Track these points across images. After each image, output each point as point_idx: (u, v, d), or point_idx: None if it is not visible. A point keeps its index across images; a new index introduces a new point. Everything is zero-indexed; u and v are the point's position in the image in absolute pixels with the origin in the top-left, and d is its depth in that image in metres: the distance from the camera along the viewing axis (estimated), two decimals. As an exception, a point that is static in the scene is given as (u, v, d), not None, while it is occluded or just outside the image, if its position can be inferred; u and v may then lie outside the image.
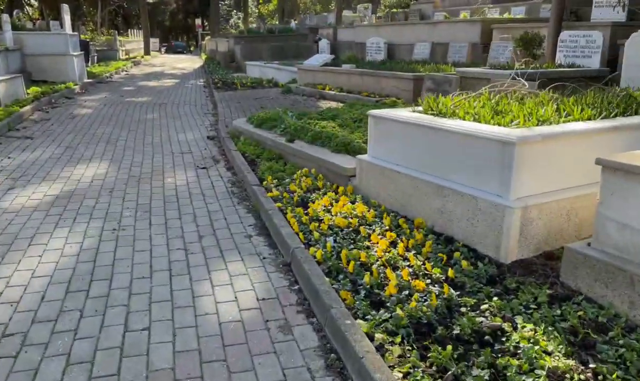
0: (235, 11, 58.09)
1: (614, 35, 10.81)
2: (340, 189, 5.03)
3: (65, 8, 16.58)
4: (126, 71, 23.88)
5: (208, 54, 34.33)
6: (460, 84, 8.26)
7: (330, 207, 4.57)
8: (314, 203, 4.71)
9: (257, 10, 60.15)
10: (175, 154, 7.38)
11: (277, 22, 40.56)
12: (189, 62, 32.04)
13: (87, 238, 4.30)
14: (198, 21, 56.47)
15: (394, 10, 25.31)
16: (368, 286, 3.15)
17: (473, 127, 3.83)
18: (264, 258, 3.90)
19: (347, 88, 11.53)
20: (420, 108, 4.79)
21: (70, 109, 11.49)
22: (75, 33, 18.42)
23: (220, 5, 50.66)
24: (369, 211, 4.38)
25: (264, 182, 5.42)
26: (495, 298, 3.04)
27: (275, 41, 22.93)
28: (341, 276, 3.30)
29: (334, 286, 3.15)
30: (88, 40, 25.61)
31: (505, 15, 15.74)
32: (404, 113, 4.65)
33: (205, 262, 3.85)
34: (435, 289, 3.14)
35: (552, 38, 11.61)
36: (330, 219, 4.26)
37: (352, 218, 4.27)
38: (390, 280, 3.18)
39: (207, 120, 10.27)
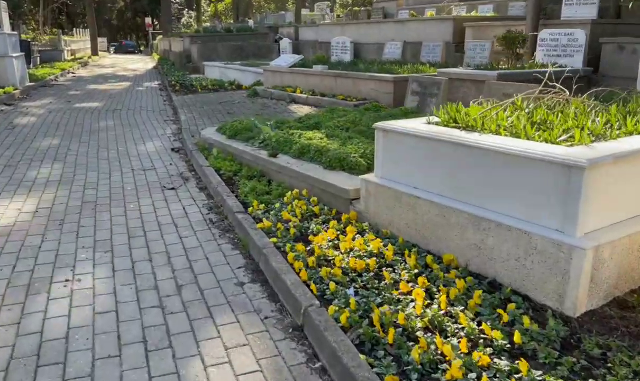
0: (187, 10, 56.27)
1: (593, 33, 10.45)
2: (344, 217, 4.24)
3: (3, 5, 15.04)
4: (73, 73, 22.28)
5: (160, 54, 32.79)
6: (448, 87, 7.63)
7: (336, 241, 3.78)
8: (315, 235, 3.91)
9: (209, 9, 58.48)
10: (136, 171, 6.40)
11: (231, 21, 39.31)
12: (140, 63, 30.47)
13: (30, 297, 3.34)
14: (148, 20, 54.39)
15: (356, 8, 24.72)
16: (419, 367, 2.38)
17: (520, 145, 3.11)
18: (266, 318, 3.06)
19: (320, 91, 10.75)
20: (435, 118, 4.05)
21: (9, 118, 10.21)
22: (15, 32, 16.83)
23: (171, 3, 48.83)
24: (385, 246, 3.61)
25: (250, 209, 4.57)
26: (582, 374, 2.34)
27: (234, 40, 21.88)
28: (380, 351, 2.51)
29: (374, 369, 2.36)
30: (29, 40, 23.79)
31: (473, 13, 15.33)
32: (420, 126, 3.90)
33: (190, 326, 2.99)
34: (504, 364, 2.40)
35: (530, 37, 11.21)
36: (342, 259, 3.47)
37: (367, 256, 3.50)
38: (446, 355, 2.42)
39: (168, 128, 9.26)
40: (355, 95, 9.91)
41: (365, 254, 3.54)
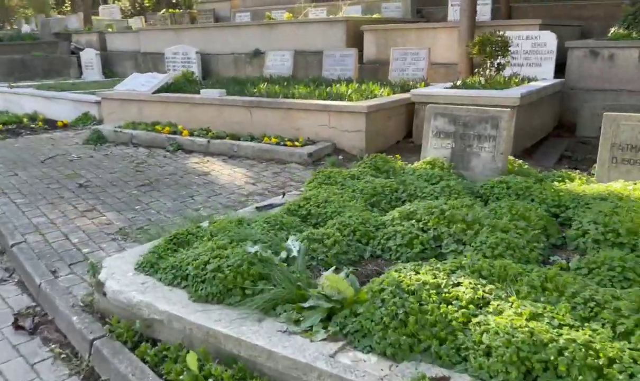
0: None
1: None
2: None
3: None
4: None
5: None
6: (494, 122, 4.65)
7: None
8: None
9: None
10: None
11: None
12: None
13: None
14: None
15: (172, 10, 20.25)
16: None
17: None
18: None
19: (219, 129, 6.84)
20: None
21: None
22: None
23: None
24: None
25: None
26: None
27: (8, 53, 15.70)
28: None
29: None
30: None
31: (341, 15, 12.77)
32: None
33: None
34: None
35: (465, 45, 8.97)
36: None
37: None
38: None
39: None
40: (291, 135, 6.33)
41: None
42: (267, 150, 6.01)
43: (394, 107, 6.36)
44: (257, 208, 3.93)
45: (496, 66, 7.03)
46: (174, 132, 6.96)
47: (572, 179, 4.10)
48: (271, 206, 3.99)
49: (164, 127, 7.10)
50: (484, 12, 11.63)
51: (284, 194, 4.21)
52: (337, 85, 7.44)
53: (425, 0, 15.18)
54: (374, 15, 12.42)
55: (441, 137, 4.79)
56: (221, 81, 9.44)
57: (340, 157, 5.87)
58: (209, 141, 6.47)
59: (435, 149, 4.83)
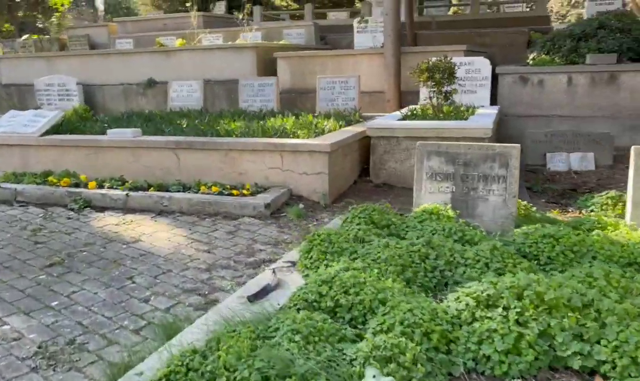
0: None
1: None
2: None
3: None
4: None
5: None
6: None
7: None
8: None
9: None
10: None
11: None
12: None
13: None
14: None
15: (37, 36, 17.68)
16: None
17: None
18: None
19: (135, 178, 5.51)
20: None
21: None
22: None
23: None
24: None
25: None
26: None
27: None
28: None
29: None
30: None
31: (240, 42, 11.91)
32: None
33: None
34: None
35: (392, 72, 8.54)
36: None
37: None
38: None
39: None
40: (234, 181, 5.22)
41: None
42: (210, 202, 4.86)
43: (350, 143, 5.55)
44: (248, 298, 2.84)
45: (444, 93, 6.57)
46: (77, 185, 5.48)
47: (604, 225, 3.55)
48: (265, 291, 2.92)
49: (61, 179, 5.59)
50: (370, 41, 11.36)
51: (274, 271, 3.15)
52: (272, 119, 6.49)
53: (328, 28, 14.80)
54: (281, 42, 11.66)
55: (438, 180, 4.06)
56: (119, 117, 7.97)
57: (301, 205, 4.90)
58: (127, 194, 5.13)
59: (431, 194, 4.07)
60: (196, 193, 5.06)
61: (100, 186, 5.39)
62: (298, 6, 23.37)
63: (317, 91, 8.16)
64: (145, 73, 10.45)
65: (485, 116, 5.95)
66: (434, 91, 6.58)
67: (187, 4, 19.57)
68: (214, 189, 5.05)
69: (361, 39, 11.31)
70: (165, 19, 16.79)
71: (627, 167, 7.20)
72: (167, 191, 5.17)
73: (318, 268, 3.02)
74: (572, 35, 8.25)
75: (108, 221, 4.81)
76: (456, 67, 6.57)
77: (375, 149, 5.73)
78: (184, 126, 6.24)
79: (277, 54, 9.63)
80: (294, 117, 6.61)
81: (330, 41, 13.78)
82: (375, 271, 2.82)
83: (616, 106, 7.55)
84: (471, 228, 3.54)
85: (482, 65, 7.75)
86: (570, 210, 4.94)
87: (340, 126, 6.21)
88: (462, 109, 6.62)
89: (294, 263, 3.31)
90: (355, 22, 11.52)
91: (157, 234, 4.42)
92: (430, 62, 6.49)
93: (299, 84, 9.63)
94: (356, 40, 11.31)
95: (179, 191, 5.13)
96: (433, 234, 3.34)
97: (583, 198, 5.02)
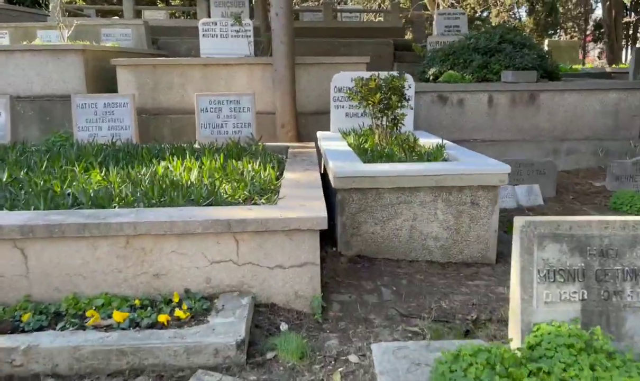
0: None
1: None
2: None
3: None
4: None
5: None
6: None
7: None
8: None
9: None
10: None
11: None
12: None
13: None
14: None
15: None
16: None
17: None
18: None
19: None
20: None
21: None
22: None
23: None
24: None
25: None
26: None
27: None
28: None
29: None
30: None
31: (39, 42, 9.01)
32: None
33: None
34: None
35: (287, 90, 6.75)
36: None
37: None
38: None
39: None
40: (143, 290, 2.93)
41: None
42: (122, 350, 2.51)
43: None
44: None
45: (392, 119, 5.07)
46: None
47: None
48: None
49: None
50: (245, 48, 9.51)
51: None
52: (161, 161, 4.18)
53: (159, 29, 12.22)
54: (109, 45, 8.89)
55: (557, 281, 2.49)
56: None
57: (285, 326, 2.87)
58: None
59: (548, 305, 2.49)
60: (81, 329, 2.63)
61: None
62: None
63: (197, 114, 5.96)
64: None
65: (471, 154, 4.59)
66: (381, 116, 5.05)
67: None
68: (117, 316, 2.69)
69: (208, 44, 9.22)
70: None
71: (573, 198, 6.66)
72: (18, 328, 2.62)
73: None
74: (477, 49, 7.49)
75: None
76: (407, 86, 5.13)
77: (345, 207, 3.93)
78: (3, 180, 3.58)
79: (117, 61, 7.05)
80: (198, 161, 4.40)
81: (163, 45, 11.33)
82: None
83: (537, 128, 6.97)
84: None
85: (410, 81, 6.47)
86: None
87: (274, 169, 4.24)
88: (410, 138, 5.19)
89: None
90: (200, 24, 9.37)
91: None
92: (379, 80, 4.92)
93: (150, 102, 7.23)
94: (203, 46, 9.17)
95: (42, 328, 2.64)
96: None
97: None
